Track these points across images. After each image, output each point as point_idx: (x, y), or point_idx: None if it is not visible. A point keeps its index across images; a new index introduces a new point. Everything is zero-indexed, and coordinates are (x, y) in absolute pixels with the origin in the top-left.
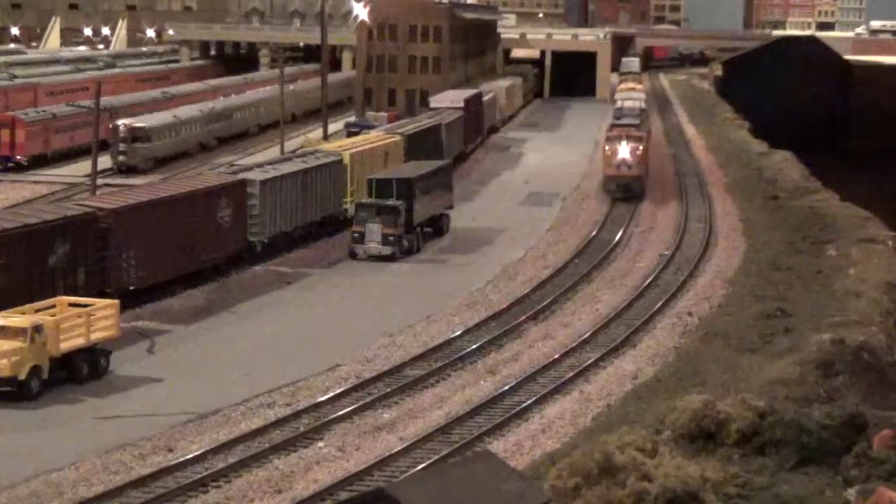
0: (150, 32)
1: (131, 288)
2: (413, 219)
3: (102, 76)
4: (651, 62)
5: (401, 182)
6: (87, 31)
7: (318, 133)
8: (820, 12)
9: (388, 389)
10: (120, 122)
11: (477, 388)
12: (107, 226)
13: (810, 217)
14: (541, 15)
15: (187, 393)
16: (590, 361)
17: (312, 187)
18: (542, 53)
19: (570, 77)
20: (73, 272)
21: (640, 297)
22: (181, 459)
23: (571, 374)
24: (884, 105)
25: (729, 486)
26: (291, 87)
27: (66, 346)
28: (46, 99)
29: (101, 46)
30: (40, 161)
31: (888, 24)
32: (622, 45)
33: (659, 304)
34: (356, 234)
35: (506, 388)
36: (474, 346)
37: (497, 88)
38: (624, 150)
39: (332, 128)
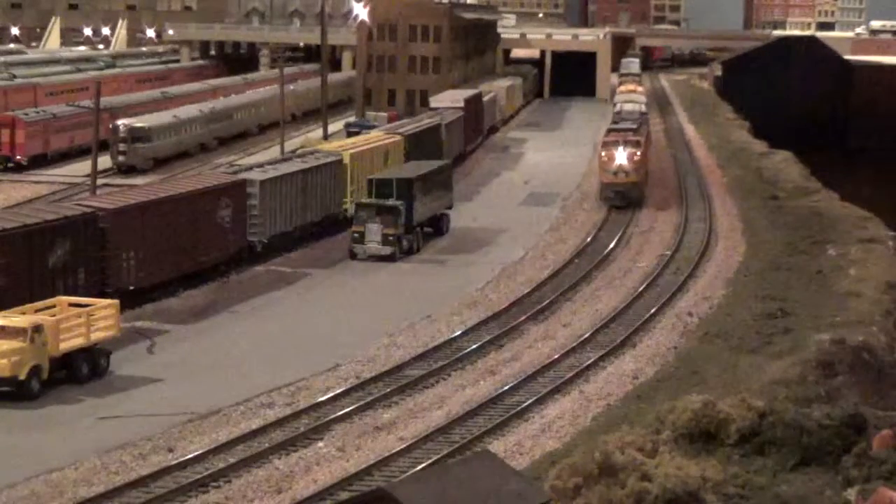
0: (150, 32)
1: (131, 288)
2: (413, 219)
3: (102, 76)
4: (650, 62)
5: (401, 182)
6: (87, 31)
7: (318, 133)
8: (820, 12)
9: (388, 389)
10: (120, 122)
11: (477, 388)
12: (107, 226)
13: (810, 217)
14: (541, 15)
15: (187, 393)
16: (590, 361)
17: (312, 187)
18: (542, 53)
19: (570, 77)
20: (73, 272)
21: (640, 297)
22: (181, 459)
23: (571, 374)
24: (883, 105)
25: (729, 486)
26: (291, 88)
27: (66, 346)
28: (46, 99)
29: (101, 46)
30: (40, 161)
31: (888, 24)
32: (622, 45)
33: (659, 304)
34: (356, 234)
35: (506, 388)
36: (474, 346)
37: (497, 88)
38: (621, 156)
39: (332, 128)
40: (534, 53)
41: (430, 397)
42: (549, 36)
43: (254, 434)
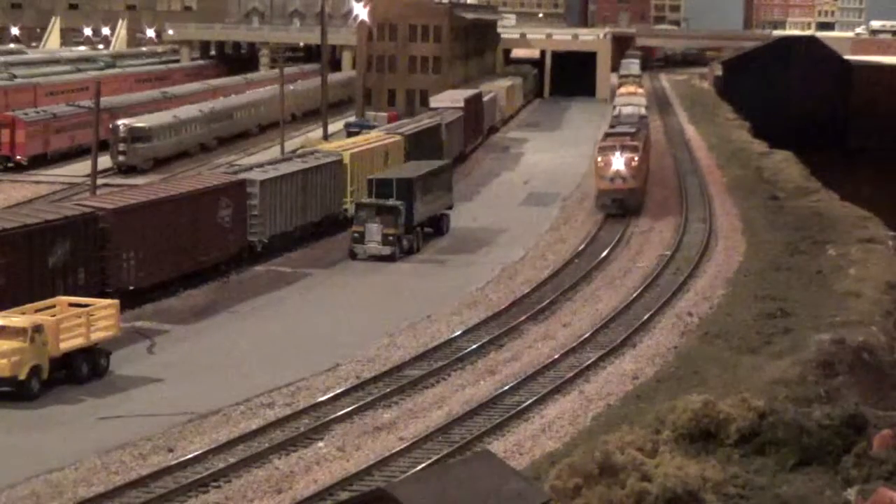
0: (150, 32)
1: (131, 288)
2: (413, 219)
3: (102, 76)
4: (649, 62)
5: (401, 182)
6: (87, 31)
7: (318, 133)
8: (820, 12)
9: (388, 389)
10: (120, 122)
11: (477, 388)
12: (107, 226)
13: (810, 217)
14: (541, 15)
15: (187, 393)
16: (590, 361)
17: (312, 187)
18: (542, 53)
19: (570, 77)
20: (73, 272)
21: (640, 296)
22: (181, 459)
23: (571, 374)
24: (883, 105)
25: (729, 486)
26: (291, 88)
27: (66, 345)
28: (46, 99)
29: (101, 46)
30: (40, 161)
31: (888, 24)
32: (622, 46)
33: (659, 305)
34: (356, 234)
35: (506, 388)
36: (474, 346)
37: (497, 88)
38: (618, 161)
39: (332, 128)
40: (534, 53)
41: (430, 397)
42: (549, 36)
43: (254, 434)
